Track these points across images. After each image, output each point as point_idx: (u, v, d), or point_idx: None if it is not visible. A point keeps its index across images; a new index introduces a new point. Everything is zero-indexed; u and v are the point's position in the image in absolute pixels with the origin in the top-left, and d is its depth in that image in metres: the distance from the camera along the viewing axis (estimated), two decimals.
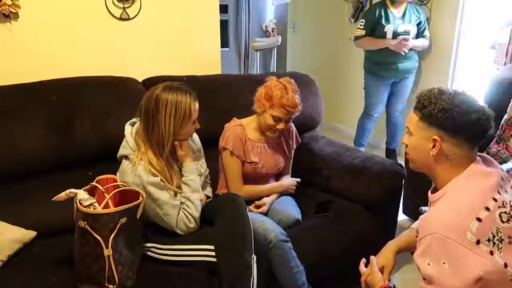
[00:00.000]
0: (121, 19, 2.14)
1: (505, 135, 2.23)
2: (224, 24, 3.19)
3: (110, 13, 2.10)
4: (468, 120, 1.09)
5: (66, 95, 1.78)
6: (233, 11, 3.64)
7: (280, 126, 1.77)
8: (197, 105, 1.56)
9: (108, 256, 1.31)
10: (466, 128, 1.10)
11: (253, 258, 1.43)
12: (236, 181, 1.82)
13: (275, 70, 3.69)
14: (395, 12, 3.06)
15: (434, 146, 1.13)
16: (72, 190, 1.36)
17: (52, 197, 1.38)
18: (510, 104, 2.25)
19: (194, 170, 1.61)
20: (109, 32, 2.13)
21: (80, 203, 1.32)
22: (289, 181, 1.95)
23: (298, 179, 1.97)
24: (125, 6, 2.12)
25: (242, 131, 1.83)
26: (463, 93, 1.14)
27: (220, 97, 2.05)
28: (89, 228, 1.29)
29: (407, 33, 3.04)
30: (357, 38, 3.17)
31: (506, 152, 2.21)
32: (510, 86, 2.40)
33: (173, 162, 1.59)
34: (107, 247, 1.30)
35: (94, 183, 1.46)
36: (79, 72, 1.92)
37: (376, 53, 3.16)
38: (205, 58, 2.43)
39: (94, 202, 1.35)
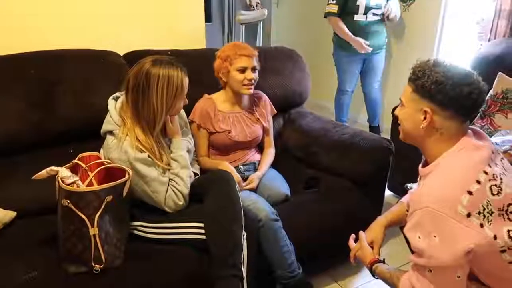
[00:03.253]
0: None
1: (490, 111, 2.26)
2: None
3: None
4: (459, 93, 1.07)
5: (44, 68, 1.69)
6: None
7: (249, 75, 1.80)
8: (187, 80, 1.51)
9: (94, 235, 1.26)
10: (457, 102, 1.08)
11: (244, 235, 1.42)
12: (197, 152, 1.85)
13: (261, 45, 3.61)
14: None
15: (425, 118, 1.12)
16: (53, 168, 1.30)
17: (32, 176, 1.32)
18: (496, 80, 2.27)
19: (183, 146, 1.57)
20: (89, 3, 2.02)
21: (63, 181, 1.27)
22: (253, 177, 1.84)
23: (253, 185, 1.81)
24: None
25: (210, 104, 1.87)
26: (458, 65, 1.12)
27: (206, 72, 1.99)
28: (73, 207, 1.24)
29: (378, 6, 3.05)
30: (330, 14, 3.12)
31: (491, 127, 2.24)
32: (495, 62, 2.42)
33: (162, 139, 1.55)
34: (92, 226, 1.26)
35: (76, 160, 1.40)
36: (57, 45, 1.82)
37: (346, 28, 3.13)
38: (189, 31, 2.35)
39: (77, 180, 1.30)
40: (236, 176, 1.74)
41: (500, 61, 2.41)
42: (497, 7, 2.72)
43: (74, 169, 1.39)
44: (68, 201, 1.24)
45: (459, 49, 3.21)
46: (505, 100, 2.26)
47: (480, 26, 2.95)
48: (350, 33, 3.08)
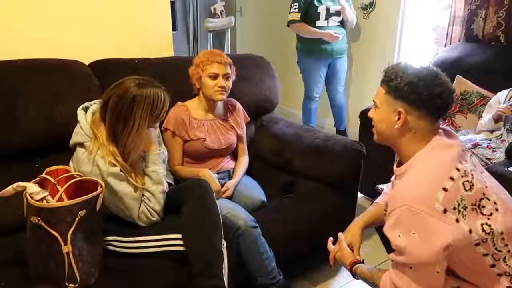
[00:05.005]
0: None
1: (450, 112, 2.37)
2: (171, 6, 3.04)
3: None
4: (431, 93, 1.12)
5: (6, 79, 1.60)
6: None
7: (221, 82, 1.79)
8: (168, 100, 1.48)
9: (67, 253, 1.20)
10: (430, 101, 1.12)
11: (223, 244, 1.40)
12: (172, 161, 1.82)
13: (229, 52, 3.61)
14: None
15: (399, 119, 1.15)
16: (20, 183, 1.23)
17: None
18: (454, 83, 2.38)
19: (158, 160, 1.51)
20: (53, 12, 1.95)
21: (31, 197, 1.20)
22: (229, 184, 1.84)
23: (229, 193, 1.82)
24: None
25: (185, 111, 1.85)
26: (429, 67, 1.17)
27: (174, 80, 1.95)
28: (43, 224, 1.17)
29: (337, 14, 3.14)
30: (292, 22, 3.19)
31: (452, 128, 2.35)
32: (452, 65, 2.55)
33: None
34: (65, 243, 1.19)
35: (44, 175, 1.33)
36: (19, 55, 1.72)
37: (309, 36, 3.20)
38: (156, 40, 2.31)
39: (47, 195, 1.22)
40: (215, 184, 1.72)
41: (457, 64, 2.55)
42: (451, 14, 2.87)
43: (42, 184, 1.31)
44: (38, 218, 1.17)
45: (418, 54, 3.36)
46: (464, 101, 2.38)
47: (436, 32, 3.10)
48: (317, 29, 3.12)
